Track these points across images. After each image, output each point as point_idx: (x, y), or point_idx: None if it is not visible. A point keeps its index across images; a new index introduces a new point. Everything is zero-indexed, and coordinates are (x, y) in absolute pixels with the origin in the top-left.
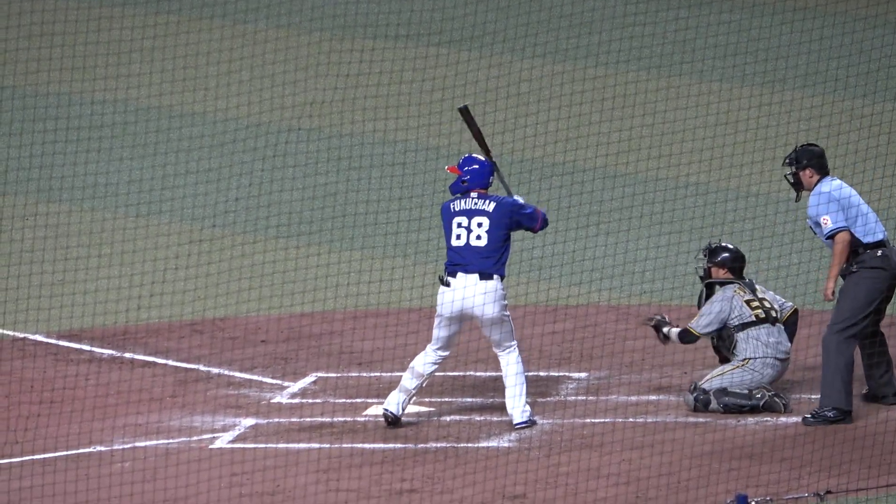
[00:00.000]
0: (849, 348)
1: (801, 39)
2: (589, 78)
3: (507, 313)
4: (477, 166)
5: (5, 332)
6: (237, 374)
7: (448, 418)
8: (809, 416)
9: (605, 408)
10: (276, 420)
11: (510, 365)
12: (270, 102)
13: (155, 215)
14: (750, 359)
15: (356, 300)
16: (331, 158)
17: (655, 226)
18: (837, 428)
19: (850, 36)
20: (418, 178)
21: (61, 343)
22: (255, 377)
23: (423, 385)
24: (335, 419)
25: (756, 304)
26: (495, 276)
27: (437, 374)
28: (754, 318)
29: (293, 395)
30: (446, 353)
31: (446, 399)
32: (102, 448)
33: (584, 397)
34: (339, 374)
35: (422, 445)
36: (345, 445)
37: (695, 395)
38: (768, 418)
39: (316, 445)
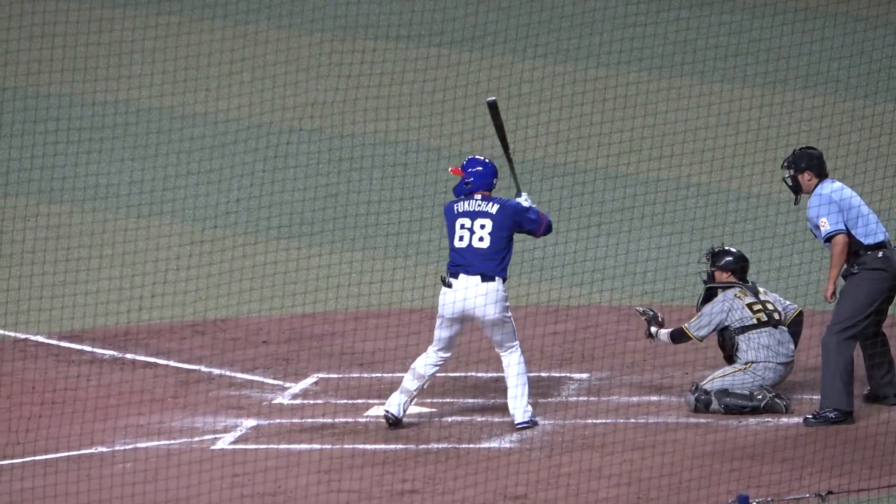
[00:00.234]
0: (848, 349)
1: (802, 40)
2: (590, 79)
3: (509, 314)
4: (480, 168)
5: (7, 332)
6: (238, 375)
7: (449, 419)
8: (811, 416)
9: (606, 408)
10: (278, 421)
11: (512, 366)
12: (272, 103)
13: (156, 216)
14: (752, 362)
15: (357, 301)
16: (332, 159)
17: (657, 226)
18: (839, 429)
19: (851, 37)
20: (419, 179)
21: (63, 344)
22: (256, 378)
23: (425, 386)
24: (336, 420)
25: (758, 307)
26: (497, 278)
27: (438, 375)
28: (756, 322)
29: (294, 396)
30: (447, 355)
31: (448, 400)
32: (104, 449)
33: (586, 398)
34: (340, 375)
35: (423, 446)
36: (346, 446)
37: (696, 395)
38: (769, 419)
39: (317, 446)
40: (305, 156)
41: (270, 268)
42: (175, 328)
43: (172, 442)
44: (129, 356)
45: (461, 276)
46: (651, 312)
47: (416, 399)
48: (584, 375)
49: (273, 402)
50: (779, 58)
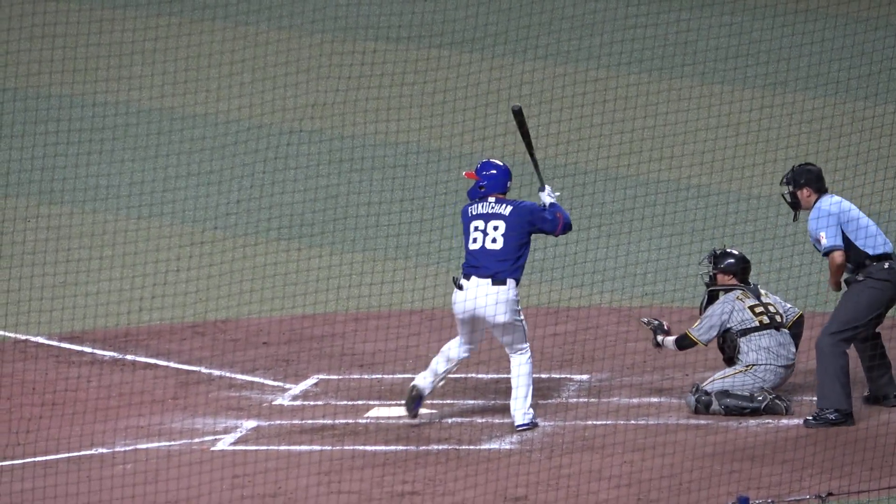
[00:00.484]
0: (843, 352)
1: (802, 42)
2: (590, 80)
3: (521, 318)
4: (494, 171)
5: (7, 333)
6: (239, 376)
7: (450, 420)
8: (811, 418)
9: (606, 410)
10: (278, 422)
11: (520, 366)
12: (272, 104)
13: (156, 217)
14: (753, 365)
15: (358, 302)
16: (332, 160)
17: (657, 228)
18: (839, 430)
19: (851, 38)
20: (420, 181)
21: (63, 345)
22: (256, 379)
23: (452, 371)
24: (337, 421)
25: (760, 309)
26: (509, 281)
27: None
28: (758, 324)
29: (295, 397)
30: (472, 347)
31: (448, 401)
32: (104, 450)
33: (586, 399)
34: (340, 376)
35: (423, 447)
36: (346, 447)
37: (696, 396)
38: (770, 420)
39: (317, 447)
40: (306, 157)
41: (271, 269)
42: (175, 329)
43: (173, 443)
44: (129, 357)
45: (472, 277)
46: (656, 322)
47: (443, 381)
48: (585, 377)
49: (273, 403)
50: (779, 59)
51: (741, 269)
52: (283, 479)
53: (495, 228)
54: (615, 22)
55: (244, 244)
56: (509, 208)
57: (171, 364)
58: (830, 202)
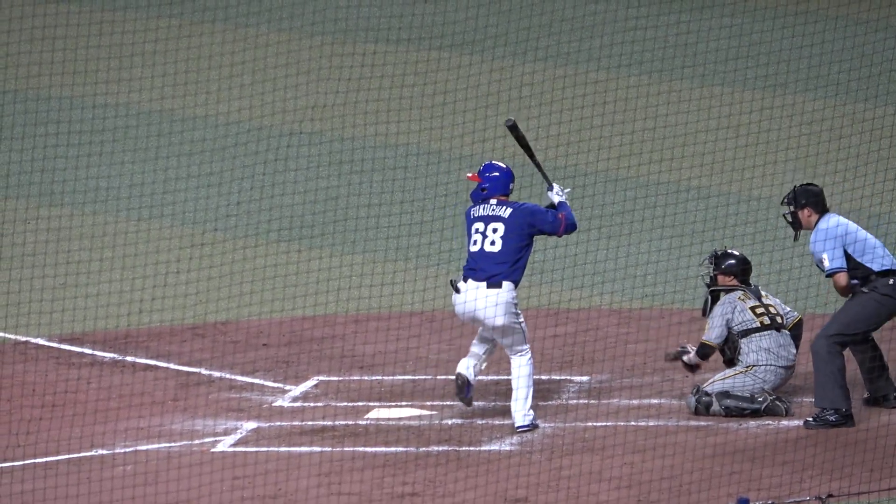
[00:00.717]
0: (839, 354)
1: (802, 43)
2: (590, 82)
3: (520, 320)
4: (497, 174)
5: (7, 335)
6: (239, 378)
7: (450, 421)
8: (811, 419)
9: (606, 411)
10: (278, 423)
11: (520, 367)
12: (272, 106)
13: (156, 219)
14: (753, 366)
15: (358, 304)
16: (332, 162)
17: (657, 229)
18: (839, 431)
19: (851, 40)
20: (420, 182)
21: (63, 346)
22: (256, 381)
23: (493, 351)
24: (337, 423)
25: (761, 310)
26: (505, 283)
27: (438, 377)
28: (759, 325)
29: (295, 399)
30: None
31: (448, 402)
32: (104, 451)
33: (586, 401)
34: (340, 378)
35: (423, 449)
36: (346, 449)
37: (696, 397)
38: (770, 422)
39: (318, 449)
40: (306, 159)
41: (271, 270)
42: (175, 331)
43: (173, 444)
44: (129, 359)
45: (470, 280)
46: (678, 349)
47: (485, 364)
48: (585, 378)
49: (273, 404)
50: (779, 61)
51: (742, 271)
52: (283, 480)
53: (494, 231)
54: (615, 24)
55: (244, 246)
56: (509, 210)
57: (172, 366)
58: (829, 223)
